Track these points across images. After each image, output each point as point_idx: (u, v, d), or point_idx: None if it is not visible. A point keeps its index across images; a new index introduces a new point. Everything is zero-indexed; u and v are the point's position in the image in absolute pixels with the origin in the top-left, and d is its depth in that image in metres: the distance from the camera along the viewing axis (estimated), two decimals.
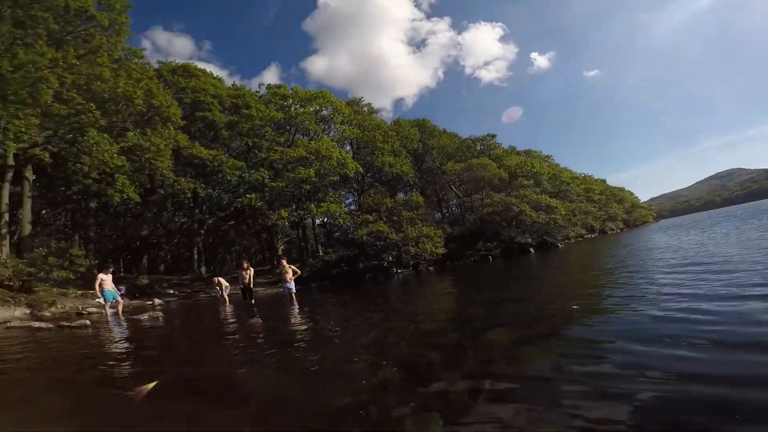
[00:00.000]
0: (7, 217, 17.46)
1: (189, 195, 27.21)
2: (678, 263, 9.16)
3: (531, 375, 3.09)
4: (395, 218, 28.99)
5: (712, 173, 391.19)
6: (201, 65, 33.05)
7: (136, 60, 24.60)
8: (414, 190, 41.69)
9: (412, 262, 28.22)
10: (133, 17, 20.36)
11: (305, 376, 3.71)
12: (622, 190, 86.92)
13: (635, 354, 3.23)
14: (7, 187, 17.56)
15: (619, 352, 3.33)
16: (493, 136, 50.07)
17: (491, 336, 4.55)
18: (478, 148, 48.45)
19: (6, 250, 16.88)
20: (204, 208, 32.31)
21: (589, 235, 51.53)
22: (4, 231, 17.30)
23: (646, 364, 2.95)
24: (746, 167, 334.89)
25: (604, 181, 78.46)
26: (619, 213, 70.71)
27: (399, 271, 27.20)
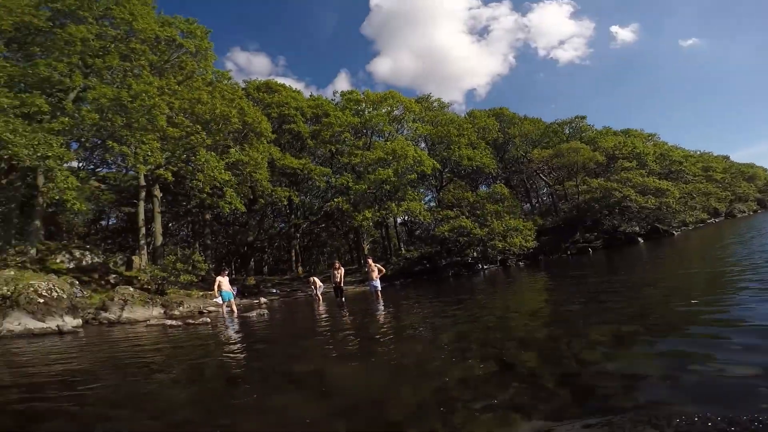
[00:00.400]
0: (143, 230, 20.88)
1: (285, 202, 29.79)
2: None
3: (636, 375, 2.75)
4: (478, 212, 28.11)
5: None
6: (280, 80, 36.07)
7: (225, 81, 27.41)
8: (498, 181, 39.93)
9: (499, 258, 27.10)
10: (214, 42, 23.00)
11: (389, 370, 3.80)
12: (752, 166, 72.46)
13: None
14: (141, 205, 21.00)
15: (750, 353, 2.82)
16: (583, 117, 45.57)
17: (591, 333, 4.17)
18: (567, 131, 44.49)
19: (145, 258, 20.21)
20: (298, 213, 35.36)
21: (712, 220, 44.25)
22: (142, 242, 20.77)
23: None
24: None
25: (726, 157, 66.25)
26: (751, 192, 59.45)
27: (485, 267, 26.33)
